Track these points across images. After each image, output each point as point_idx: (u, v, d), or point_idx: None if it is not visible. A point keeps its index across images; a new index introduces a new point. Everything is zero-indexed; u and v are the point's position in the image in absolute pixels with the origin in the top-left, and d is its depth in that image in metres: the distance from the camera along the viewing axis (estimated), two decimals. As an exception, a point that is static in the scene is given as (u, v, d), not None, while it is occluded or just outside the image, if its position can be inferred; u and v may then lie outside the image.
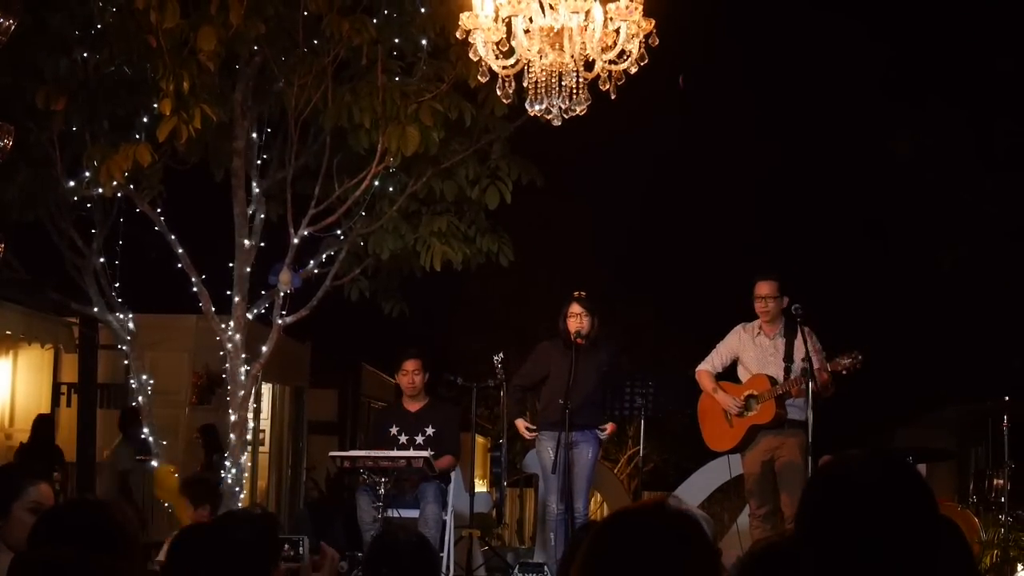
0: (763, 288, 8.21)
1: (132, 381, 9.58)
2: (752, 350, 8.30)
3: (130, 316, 9.56)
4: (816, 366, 7.84)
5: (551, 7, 5.50)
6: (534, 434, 8.38)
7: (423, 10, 8.78)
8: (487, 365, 9.38)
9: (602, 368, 8.33)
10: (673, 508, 2.42)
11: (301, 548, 3.71)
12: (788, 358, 8.09)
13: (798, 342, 8.08)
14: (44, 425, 12.17)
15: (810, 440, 7.72)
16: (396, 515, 7.90)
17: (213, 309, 9.34)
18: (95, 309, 9.50)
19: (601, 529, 2.44)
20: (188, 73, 7.93)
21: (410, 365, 8.57)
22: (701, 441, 8.64)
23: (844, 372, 7.85)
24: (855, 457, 2.54)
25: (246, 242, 9.23)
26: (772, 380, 8.05)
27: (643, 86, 5.98)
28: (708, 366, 8.46)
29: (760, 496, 8.17)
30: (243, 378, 9.23)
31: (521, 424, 8.48)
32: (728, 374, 8.51)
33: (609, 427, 8.46)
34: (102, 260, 9.50)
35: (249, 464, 10.34)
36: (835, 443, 8.05)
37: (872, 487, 2.41)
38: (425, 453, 7.98)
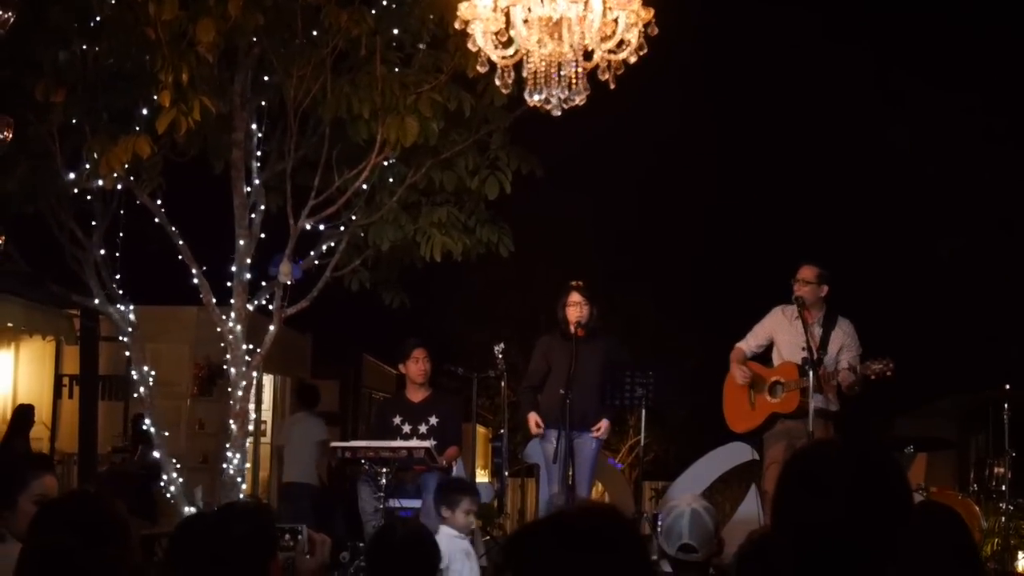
0: (802, 272, 8.15)
1: (133, 373, 9.58)
2: (787, 333, 8.21)
3: (131, 308, 9.56)
4: (845, 365, 7.83)
5: (550, -3, 5.50)
6: (541, 430, 8.32)
7: (421, 1, 8.77)
8: (488, 355, 9.39)
9: (601, 358, 8.31)
10: (599, 508, 2.41)
11: (300, 537, 3.73)
12: (823, 348, 8.03)
13: (835, 333, 8.06)
14: (22, 416, 12.11)
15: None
16: (398, 505, 7.92)
17: (214, 300, 9.34)
18: (96, 301, 9.50)
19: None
20: (187, 65, 7.92)
21: (419, 353, 8.61)
22: (701, 430, 8.64)
23: (873, 377, 7.79)
24: (828, 445, 2.53)
25: (246, 233, 9.23)
26: (801, 370, 7.87)
27: (642, 75, 5.97)
28: (744, 345, 8.44)
29: None
30: (244, 369, 9.23)
31: (532, 418, 8.39)
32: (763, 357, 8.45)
33: (603, 425, 8.41)
34: (102, 252, 9.49)
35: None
36: (836, 432, 8.09)
37: (844, 475, 2.40)
38: (426, 443, 7.99)
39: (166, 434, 9.74)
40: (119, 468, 12.16)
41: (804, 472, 2.45)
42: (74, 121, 8.79)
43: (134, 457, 11.90)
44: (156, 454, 9.53)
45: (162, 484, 9.52)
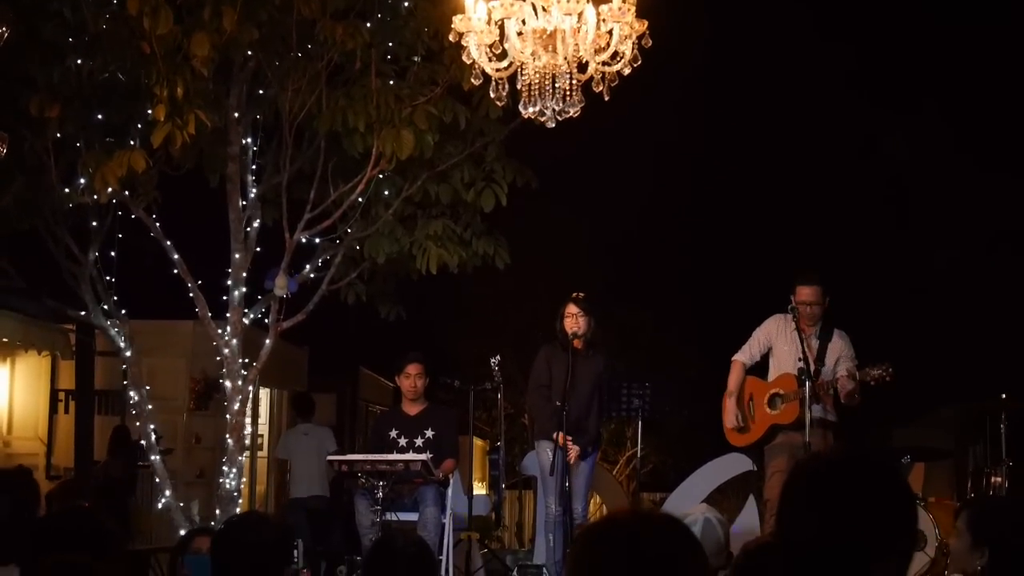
0: (807, 294, 8.01)
1: (132, 394, 9.55)
2: (785, 343, 8.10)
3: (127, 322, 9.55)
4: (844, 372, 7.79)
5: (544, 9, 5.50)
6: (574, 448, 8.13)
7: (416, 14, 8.79)
8: (484, 368, 9.37)
9: (598, 371, 8.29)
10: (663, 515, 2.38)
11: (296, 552, 3.77)
12: (820, 360, 7.99)
13: (832, 345, 8.02)
14: (120, 437, 12.02)
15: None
16: (395, 519, 7.89)
17: (210, 314, 9.34)
18: (92, 316, 9.49)
19: (586, 536, 2.42)
20: (182, 79, 7.92)
21: (413, 368, 8.57)
22: (699, 441, 8.60)
23: (872, 383, 7.75)
24: (828, 456, 2.53)
25: (241, 247, 9.23)
26: (799, 381, 7.79)
27: (637, 87, 5.98)
28: (744, 357, 8.29)
29: None
30: (240, 383, 9.22)
31: (561, 437, 8.01)
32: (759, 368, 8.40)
33: (572, 451, 8.13)
34: (98, 267, 9.49)
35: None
36: (836, 442, 8.07)
37: (847, 486, 2.40)
38: (423, 456, 7.97)
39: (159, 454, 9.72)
40: (68, 484, 12.04)
41: (804, 483, 2.45)
42: (69, 136, 8.79)
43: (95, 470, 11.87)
44: (156, 466, 9.50)
45: (165, 498, 9.49)
